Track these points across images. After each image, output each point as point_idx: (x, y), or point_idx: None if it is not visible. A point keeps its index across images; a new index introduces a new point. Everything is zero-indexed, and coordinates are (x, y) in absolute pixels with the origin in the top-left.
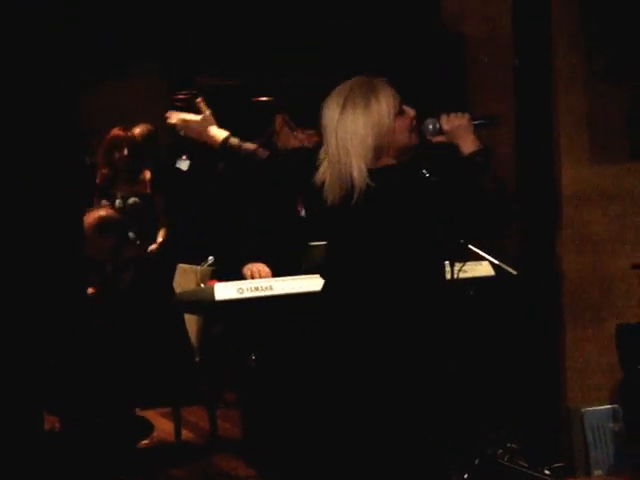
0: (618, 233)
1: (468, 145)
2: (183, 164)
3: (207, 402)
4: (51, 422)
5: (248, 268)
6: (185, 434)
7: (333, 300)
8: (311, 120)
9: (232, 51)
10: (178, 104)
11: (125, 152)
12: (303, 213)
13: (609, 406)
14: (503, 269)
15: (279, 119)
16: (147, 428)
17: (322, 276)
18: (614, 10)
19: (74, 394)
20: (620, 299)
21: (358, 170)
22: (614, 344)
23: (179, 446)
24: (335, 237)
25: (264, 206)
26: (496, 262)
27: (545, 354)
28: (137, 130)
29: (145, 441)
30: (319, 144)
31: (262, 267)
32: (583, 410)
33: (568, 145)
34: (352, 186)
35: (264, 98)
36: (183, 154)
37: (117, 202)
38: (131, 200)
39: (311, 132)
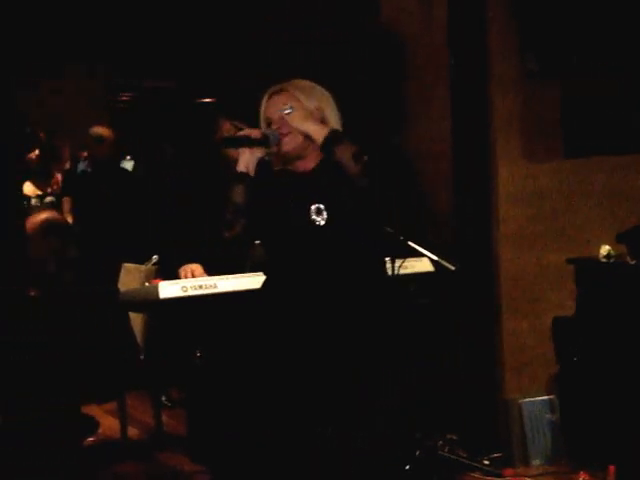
0: (552, 229)
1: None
2: (128, 164)
3: (152, 399)
4: None
5: (183, 269)
6: (131, 431)
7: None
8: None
9: (166, 53)
10: None
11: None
12: None
13: (546, 397)
14: (442, 265)
15: (227, 125)
16: (92, 425)
17: None
18: (546, 11)
19: (17, 392)
20: (555, 293)
21: None
22: (550, 336)
23: (125, 443)
24: None
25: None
26: (435, 258)
27: (483, 347)
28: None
29: (91, 438)
30: None
31: (197, 268)
32: (521, 401)
33: (503, 144)
34: None
35: (207, 99)
36: (127, 155)
37: (33, 201)
38: (48, 199)
39: None
